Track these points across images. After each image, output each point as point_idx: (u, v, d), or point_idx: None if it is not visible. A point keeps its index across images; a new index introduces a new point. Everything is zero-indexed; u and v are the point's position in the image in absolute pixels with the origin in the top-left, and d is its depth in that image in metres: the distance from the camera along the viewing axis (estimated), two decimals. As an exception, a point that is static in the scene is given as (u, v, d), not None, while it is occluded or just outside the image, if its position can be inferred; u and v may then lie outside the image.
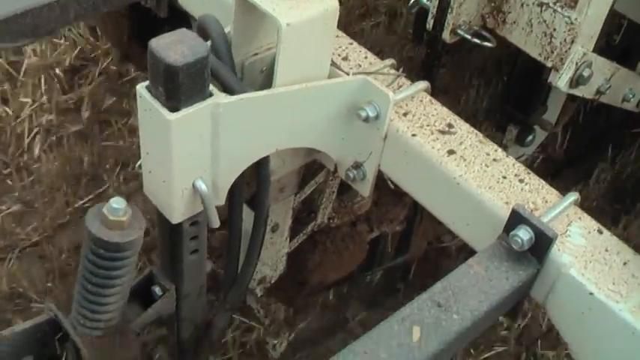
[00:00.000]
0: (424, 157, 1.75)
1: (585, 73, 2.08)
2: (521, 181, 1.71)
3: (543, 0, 2.00)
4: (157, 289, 2.00)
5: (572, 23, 1.95)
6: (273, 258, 2.34)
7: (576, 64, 2.04)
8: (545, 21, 2.02)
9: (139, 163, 1.75)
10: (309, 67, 1.74)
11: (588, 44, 2.04)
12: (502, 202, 1.66)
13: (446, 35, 2.13)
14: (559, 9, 1.98)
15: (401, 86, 1.88)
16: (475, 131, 1.80)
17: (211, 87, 1.59)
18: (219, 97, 1.59)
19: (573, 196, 1.68)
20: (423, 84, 1.87)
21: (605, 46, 2.96)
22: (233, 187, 1.85)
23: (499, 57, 3.62)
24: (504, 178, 1.71)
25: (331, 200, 2.41)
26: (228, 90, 1.67)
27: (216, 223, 1.75)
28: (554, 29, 2.00)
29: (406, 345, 1.42)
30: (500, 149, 1.78)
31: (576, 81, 2.09)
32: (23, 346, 1.89)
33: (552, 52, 2.01)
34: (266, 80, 1.81)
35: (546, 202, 1.68)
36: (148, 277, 2.02)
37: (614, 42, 3.08)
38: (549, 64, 2.03)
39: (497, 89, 3.48)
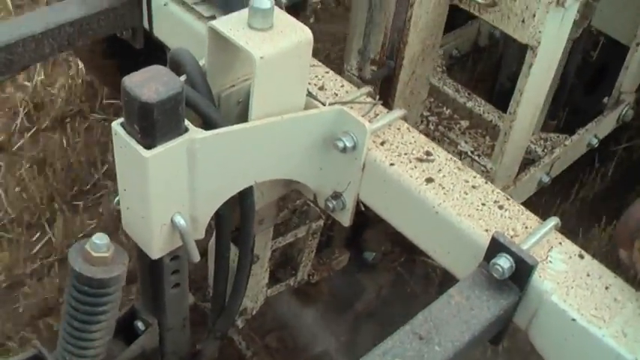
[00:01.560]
0: (403, 186, 1.74)
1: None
2: (500, 207, 1.71)
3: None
4: (140, 324, 1.99)
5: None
6: (253, 289, 2.34)
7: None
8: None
9: (117, 199, 1.74)
10: (284, 98, 1.73)
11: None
12: (482, 230, 1.65)
13: None
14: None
15: (377, 115, 1.87)
16: (453, 158, 1.80)
17: (186, 122, 1.58)
18: (194, 133, 1.58)
19: (553, 221, 1.67)
20: (400, 112, 1.86)
21: (582, 63, 2.98)
22: (220, 217, 1.85)
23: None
24: (484, 205, 1.70)
25: (311, 258, 2.46)
26: (208, 122, 1.67)
27: (195, 257, 1.74)
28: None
29: (389, 379, 1.41)
30: (478, 175, 1.77)
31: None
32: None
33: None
34: (243, 111, 1.80)
35: (526, 227, 1.67)
36: (130, 312, 2.01)
37: (592, 59, 3.10)
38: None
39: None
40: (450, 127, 2.72)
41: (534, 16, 1.93)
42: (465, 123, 2.73)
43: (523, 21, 1.95)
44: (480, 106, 2.75)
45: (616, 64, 2.79)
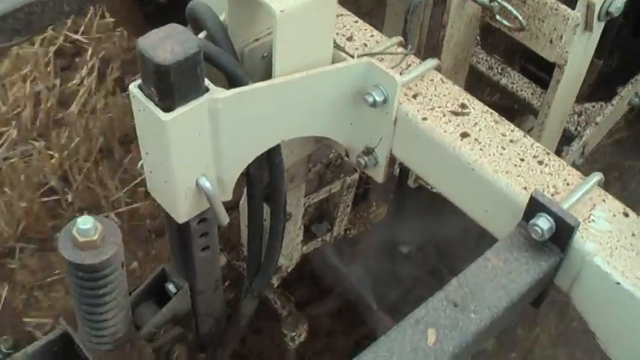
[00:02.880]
0: (436, 142, 1.65)
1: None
2: (540, 162, 1.61)
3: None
4: (171, 287, 1.95)
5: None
6: (287, 247, 2.29)
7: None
8: None
9: (140, 163, 1.69)
10: (309, 52, 1.65)
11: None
12: (520, 188, 1.56)
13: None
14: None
15: (409, 65, 1.78)
16: (490, 110, 1.70)
17: (207, 81, 1.51)
18: (215, 93, 1.51)
19: (597, 177, 1.58)
20: (433, 62, 1.77)
21: (630, 2, 2.84)
22: (250, 176, 1.79)
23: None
24: (522, 160, 1.61)
25: (347, 213, 2.42)
26: (232, 79, 1.60)
27: (224, 220, 1.68)
28: None
29: (421, 349, 1.34)
30: (516, 129, 1.68)
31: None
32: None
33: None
34: (269, 66, 1.72)
35: (568, 184, 1.58)
36: (160, 275, 1.97)
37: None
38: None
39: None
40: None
41: (561, 37, 1.97)
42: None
43: (551, 41, 2.00)
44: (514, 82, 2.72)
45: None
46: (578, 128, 2.65)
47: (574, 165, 2.54)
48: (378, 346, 1.34)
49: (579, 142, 2.55)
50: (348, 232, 2.48)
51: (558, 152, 2.48)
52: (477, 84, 2.76)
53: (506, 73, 2.75)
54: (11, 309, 2.88)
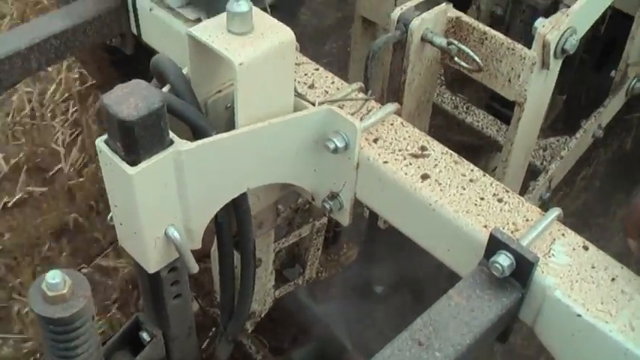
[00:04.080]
0: (398, 185, 1.69)
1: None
2: (500, 200, 1.65)
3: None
4: (145, 335, 1.97)
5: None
6: (260, 292, 2.31)
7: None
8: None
9: (110, 215, 1.71)
10: (271, 102, 1.69)
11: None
12: (481, 226, 1.60)
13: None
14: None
15: (370, 110, 1.82)
16: (450, 152, 1.74)
17: (172, 134, 1.55)
18: (179, 145, 1.54)
19: (555, 212, 1.61)
20: (392, 106, 1.81)
21: (592, 38, 2.91)
22: (219, 224, 1.82)
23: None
24: (482, 199, 1.65)
25: (318, 256, 2.44)
26: (196, 131, 1.63)
27: (194, 268, 1.71)
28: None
29: (388, 390, 1.37)
30: (476, 168, 1.71)
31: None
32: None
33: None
34: (232, 116, 1.75)
35: (527, 220, 1.62)
36: (135, 323, 1.99)
37: (600, 33, 3.03)
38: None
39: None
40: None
41: (519, 76, 2.02)
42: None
43: (509, 80, 2.05)
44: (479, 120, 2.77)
45: (624, 37, 2.72)
46: (544, 162, 2.71)
47: (541, 199, 2.59)
48: (345, 387, 1.37)
49: (545, 176, 2.60)
50: (319, 274, 2.50)
51: (525, 188, 2.52)
52: (446, 123, 2.82)
53: (472, 112, 2.80)
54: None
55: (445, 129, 2.84)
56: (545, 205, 2.09)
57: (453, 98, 2.79)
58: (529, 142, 2.30)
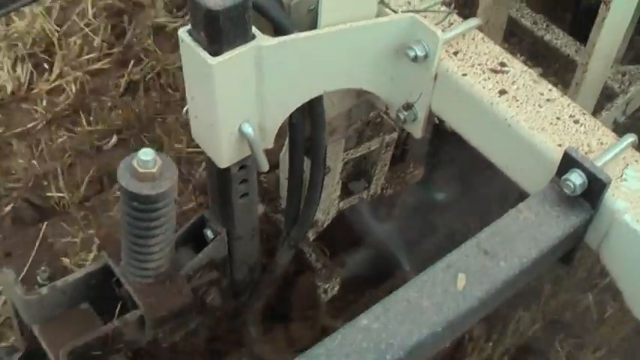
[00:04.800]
0: (475, 98, 1.69)
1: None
2: (576, 122, 1.64)
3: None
4: (209, 232, 2.01)
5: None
6: (325, 202, 2.33)
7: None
8: None
9: (185, 108, 1.74)
10: (354, 6, 1.69)
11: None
12: (555, 145, 1.59)
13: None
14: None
15: (452, 24, 1.81)
16: (529, 70, 1.73)
17: (254, 29, 1.56)
18: (261, 40, 1.56)
19: (631, 138, 1.60)
20: (475, 21, 1.79)
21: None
22: (292, 126, 1.84)
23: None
24: (558, 119, 1.64)
25: (384, 172, 2.44)
26: (278, 28, 1.64)
27: (264, 166, 1.73)
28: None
29: (450, 293, 1.39)
30: (554, 88, 1.70)
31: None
32: (78, 294, 1.92)
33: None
34: (314, 20, 1.75)
35: (602, 144, 1.61)
36: (199, 221, 2.02)
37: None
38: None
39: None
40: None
41: None
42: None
43: None
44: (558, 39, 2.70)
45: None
46: (622, 86, 2.64)
47: (615, 123, 2.54)
48: (410, 286, 1.39)
49: (624, 97, 2.53)
50: (384, 191, 2.51)
51: (599, 109, 2.48)
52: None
53: (551, 30, 2.74)
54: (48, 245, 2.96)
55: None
56: (618, 130, 2.05)
57: (533, 14, 2.73)
58: (611, 51, 2.21)
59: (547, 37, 2.74)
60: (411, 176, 2.54)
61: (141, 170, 1.59)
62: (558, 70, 2.89)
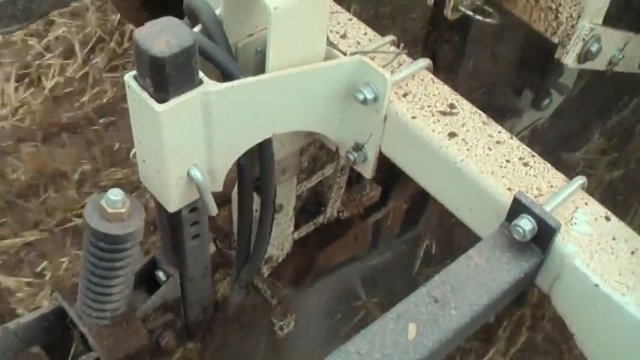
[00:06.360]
0: (424, 141, 1.68)
1: (593, 49, 1.99)
2: (525, 164, 1.64)
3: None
4: (161, 274, 1.99)
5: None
6: (278, 238, 2.31)
7: (583, 39, 1.95)
8: (550, -5, 1.94)
9: (133, 152, 1.71)
10: (303, 49, 1.67)
11: (596, 18, 1.94)
12: (505, 189, 1.59)
13: (447, 12, 2.05)
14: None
15: (401, 64, 1.81)
16: (478, 112, 1.73)
17: (201, 74, 1.54)
18: (208, 86, 1.54)
19: (580, 180, 1.60)
20: (424, 62, 1.79)
21: (624, 5, 2.84)
22: (241, 168, 1.82)
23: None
24: (508, 162, 1.64)
25: (340, 195, 2.41)
26: (225, 73, 1.62)
27: (213, 210, 1.71)
28: (560, 4, 1.90)
29: (401, 343, 1.38)
30: (504, 131, 1.70)
31: (584, 56, 2.00)
32: (30, 336, 1.89)
33: (558, 28, 1.93)
34: (262, 61, 1.74)
35: (551, 186, 1.61)
36: (151, 263, 2.00)
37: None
38: (555, 40, 1.95)
39: (513, 53, 3.37)
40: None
41: None
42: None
43: None
44: None
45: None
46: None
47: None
48: (360, 338, 1.37)
49: None
50: (340, 214, 2.48)
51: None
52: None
53: None
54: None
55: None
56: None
57: None
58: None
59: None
60: (368, 198, 2.51)
61: (110, 210, 1.58)
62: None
